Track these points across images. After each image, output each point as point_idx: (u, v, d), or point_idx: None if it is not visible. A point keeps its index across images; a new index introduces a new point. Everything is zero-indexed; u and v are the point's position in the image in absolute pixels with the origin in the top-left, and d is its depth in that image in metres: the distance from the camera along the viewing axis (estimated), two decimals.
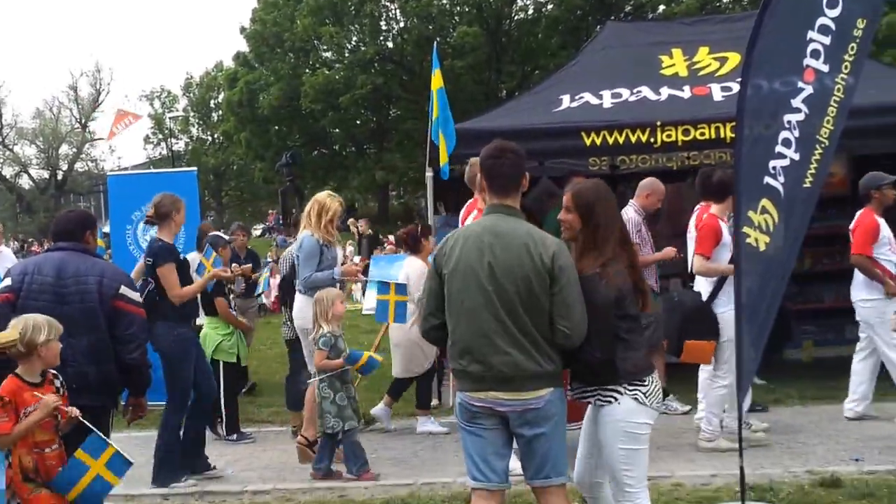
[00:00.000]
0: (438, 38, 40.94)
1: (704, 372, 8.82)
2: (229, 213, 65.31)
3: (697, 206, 9.34)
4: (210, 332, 9.87)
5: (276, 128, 49.88)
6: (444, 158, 9.84)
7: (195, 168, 13.97)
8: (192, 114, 71.92)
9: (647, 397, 4.98)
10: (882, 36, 34.74)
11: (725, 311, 8.25)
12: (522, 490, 6.28)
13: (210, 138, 70.79)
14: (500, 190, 5.15)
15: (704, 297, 8.42)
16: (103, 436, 5.46)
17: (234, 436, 9.91)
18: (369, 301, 17.52)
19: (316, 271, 8.70)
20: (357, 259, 24.95)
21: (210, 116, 70.20)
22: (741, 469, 6.74)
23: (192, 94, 71.84)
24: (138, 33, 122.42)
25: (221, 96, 61.52)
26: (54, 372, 5.55)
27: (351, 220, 29.24)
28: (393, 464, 8.42)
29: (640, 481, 5.11)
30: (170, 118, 70.81)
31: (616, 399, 4.98)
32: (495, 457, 5.09)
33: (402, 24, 47.69)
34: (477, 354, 4.97)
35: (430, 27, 45.10)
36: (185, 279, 8.33)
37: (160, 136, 71.85)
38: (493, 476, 5.07)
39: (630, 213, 9.96)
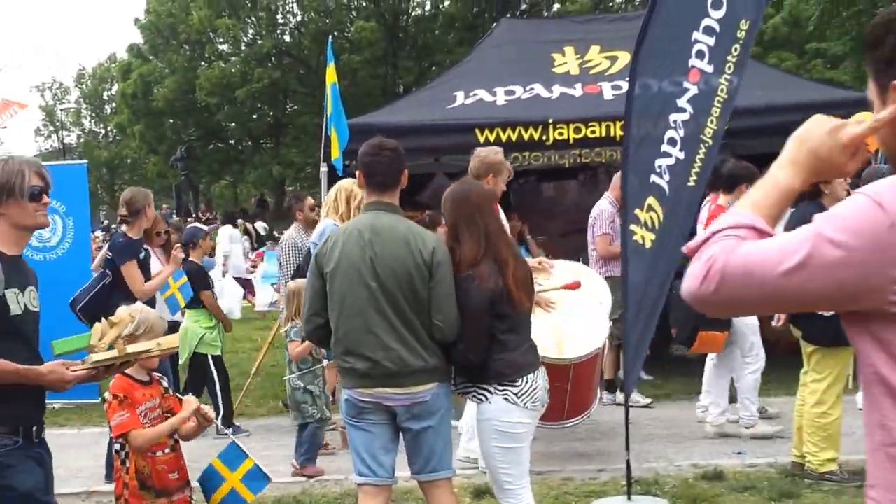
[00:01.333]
0: (336, 33, 40.72)
1: (711, 363, 8.99)
2: None
3: (707, 198, 9.41)
4: (192, 325, 9.69)
5: (171, 121, 49.06)
6: (335, 153, 9.80)
7: (85, 161, 13.66)
8: (84, 106, 70.37)
9: (518, 397, 5.00)
10: (768, 38, 35.67)
11: None
12: (412, 486, 6.28)
13: (103, 131, 69.36)
14: (378, 186, 5.16)
15: None
16: (242, 446, 5.18)
17: (230, 429, 9.62)
18: (262, 298, 17.32)
19: None
20: (252, 255, 24.68)
21: (103, 109, 68.79)
22: (627, 463, 6.85)
23: (84, 86, 70.31)
24: (30, 23, 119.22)
25: (115, 88, 60.34)
26: (159, 374, 5.30)
27: (240, 220, 28.87)
28: (285, 461, 8.34)
29: (519, 478, 5.14)
30: (61, 110, 69.19)
31: (487, 398, 5.01)
32: (382, 452, 5.11)
33: (299, 18, 47.35)
34: (362, 351, 4.97)
35: (328, 21, 44.86)
36: (145, 275, 8.16)
37: (51, 129, 70.16)
38: (381, 471, 5.09)
39: (604, 205, 10.14)
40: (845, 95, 12.50)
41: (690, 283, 2.04)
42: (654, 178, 6.81)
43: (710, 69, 6.66)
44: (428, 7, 47.26)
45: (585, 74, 11.64)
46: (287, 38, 47.57)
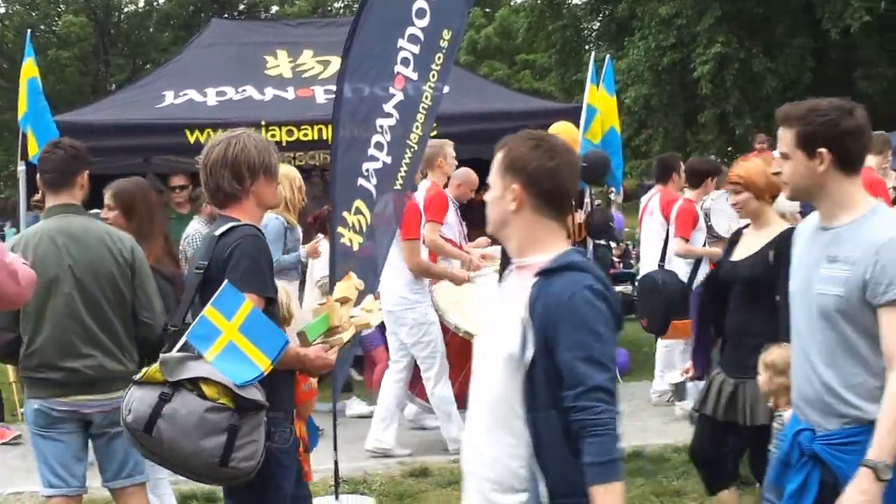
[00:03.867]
0: (42, 27, 39.00)
1: (665, 350, 9.34)
2: None
3: (654, 190, 9.69)
4: None
5: None
6: (33, 151, 9.37)
7: None
8: None
9: None
10: (481, 48, 37.01)
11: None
12: (99, 497, 6.15)
13: None
14: (52, 186, 5.06)
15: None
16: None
17: None
18: None
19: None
20: None
21: None
22: (335, 463, 6.91)
23: None
24: None
25: None
26: None
27: None
28: None
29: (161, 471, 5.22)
30: None
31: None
32: (75, 461, 5.02)
33: (2, 10, 44.92)
34: (60, 361, 4.86)
35: (34, 14, 42.81)
36: None
37: None
38: (74, 481, 5.02)
39: None
40: (550, 105, 13.16)
41: None
42: (361, 181, 6.92)
43: (415, 76, 6.84)
44: (141, 3, 45.96)
45: (298, 78, 11.67)
46: None
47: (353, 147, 6.90)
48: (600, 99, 11.09)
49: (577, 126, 10.55)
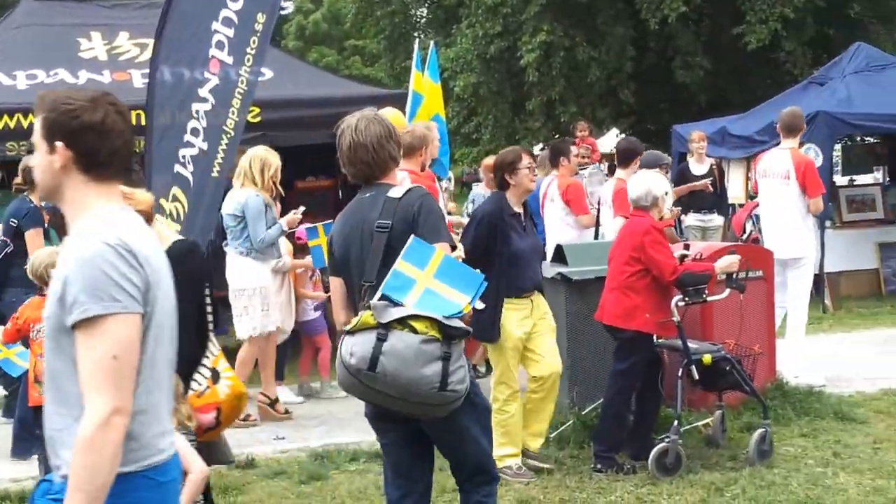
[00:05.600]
0: None
1: None
2: None
3: (551, 176, 9.79)
4: None
5: None
6: None
7: None
8: None
9: None
10: (310, 33, 36.72)
11: None
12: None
13: None
14: None
15: None
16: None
17: None
18: None
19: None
20: None
21: None
22: None
23: None
24: None
25: None
26: None
27: None
28: None
29: None
30: None
31: None
32: None
33: None
34: None
35: None
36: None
37: None
38: None
39: None
40: (377, 91, 13.11)
41: None
42: (178, 168, 6.77)
43: (230, 60, 6.73)
44: None
45: (114, 61, 11.30)
46: None
47: (169, 133, 6.75)
48: (426, 86, 11.13)
49: (405, 112, 10.55)
